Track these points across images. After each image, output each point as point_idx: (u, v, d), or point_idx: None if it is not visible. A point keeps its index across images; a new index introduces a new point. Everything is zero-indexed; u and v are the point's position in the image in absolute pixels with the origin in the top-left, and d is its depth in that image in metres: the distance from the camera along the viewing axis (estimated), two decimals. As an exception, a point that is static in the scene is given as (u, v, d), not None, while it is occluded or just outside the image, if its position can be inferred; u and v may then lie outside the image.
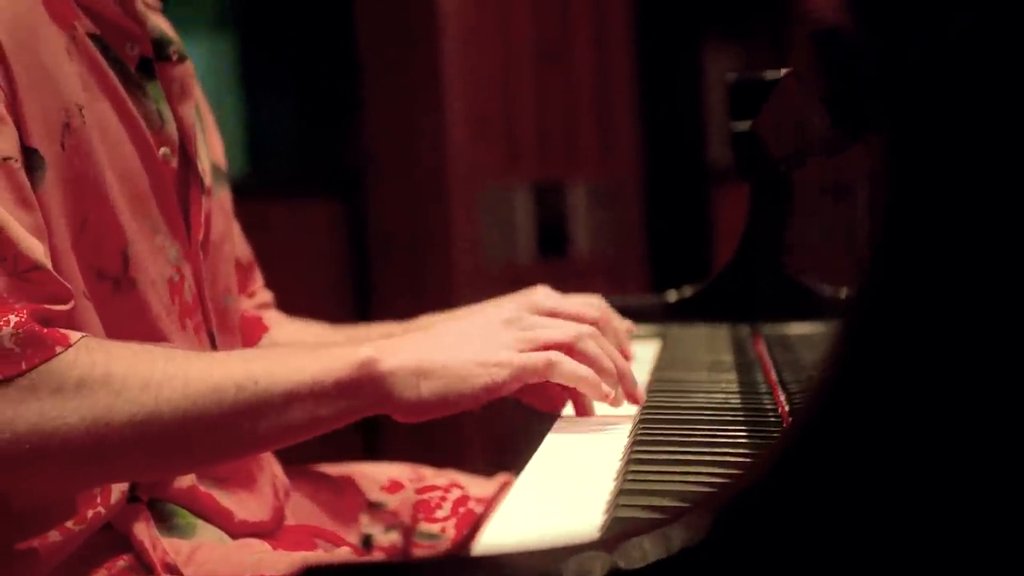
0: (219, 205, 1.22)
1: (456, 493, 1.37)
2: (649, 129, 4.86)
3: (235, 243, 1.30)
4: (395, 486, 1.36)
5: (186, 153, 1.15)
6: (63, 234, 1.02)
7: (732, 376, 1.19)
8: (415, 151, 3.99)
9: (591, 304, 1.20)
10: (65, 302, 0.97)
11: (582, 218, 4.60)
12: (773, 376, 1.17)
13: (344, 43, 3.97)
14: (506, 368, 0.99)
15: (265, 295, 1.39)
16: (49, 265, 0.97)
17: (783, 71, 1.75)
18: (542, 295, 1.20)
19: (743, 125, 1.68)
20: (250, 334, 1.33)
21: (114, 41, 1.10)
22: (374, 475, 1.37)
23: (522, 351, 1.01)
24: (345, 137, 4.00)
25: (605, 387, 1.03)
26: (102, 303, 1.05)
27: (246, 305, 1.35)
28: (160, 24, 1.19)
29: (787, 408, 1.03)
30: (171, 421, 0.94)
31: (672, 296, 1.67)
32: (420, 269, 4.01)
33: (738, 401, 1.07)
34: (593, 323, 1.12)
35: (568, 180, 4.56)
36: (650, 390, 1.12)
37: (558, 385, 1.05)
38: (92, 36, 1.07)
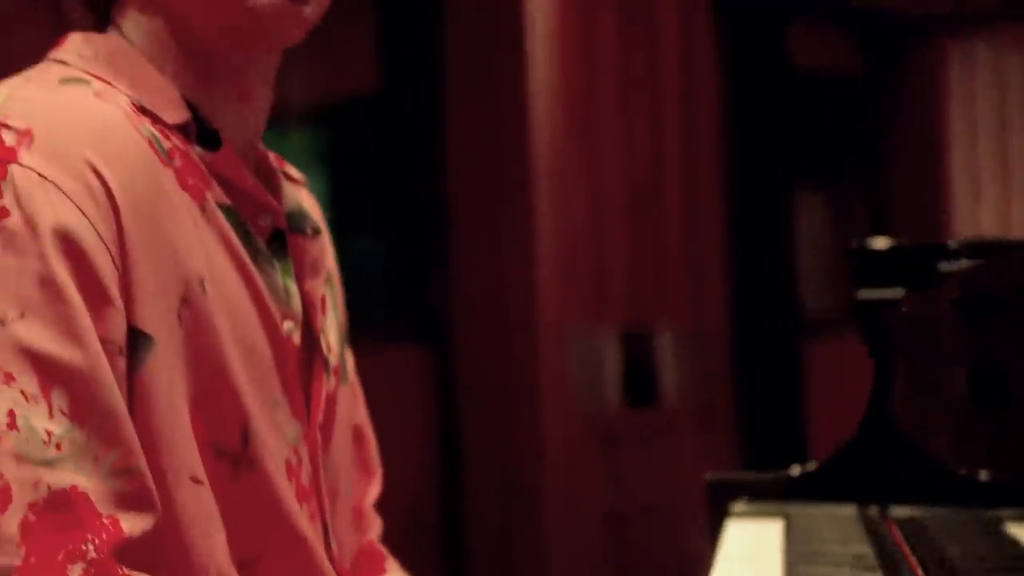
0: (347, 391, 1.18)
1: None
2: (739, 277, 4.80)
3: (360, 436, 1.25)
4: None
5: (311, 330, 1.11)
6: (177, 413, 0.97)
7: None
8: (504, 297, 3.96)
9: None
10: (148, 511, 0.92)
11: (670, 366, 4.53)
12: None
13: (435, 187, 3.97)
14: None
15: (375, 521, 1.31)
16: (138, 466, 0.92)
17: (907, 241, 1.69)
18: None
19: (867, 293, 1.61)
20: (369, 569, 1.27)
21: (246, 212, 1.07)
22: None
23: None
24: (434, 282, 3.98)
25: None
26: (220, 482, 1.00)
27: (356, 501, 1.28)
28: (301, 197, 1.17)
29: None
30: None
31: (795, 471, 1.59)
32: (508, 416, 3.96)
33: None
34: None
35: (657, 327, 4.51)
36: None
37: None
38: (223, 207, 1.04)
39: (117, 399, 0.92)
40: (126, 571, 0.90)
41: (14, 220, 0.93)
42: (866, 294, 1.62)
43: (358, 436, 1.25)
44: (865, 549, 1.26)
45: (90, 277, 0.94)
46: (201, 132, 1.05)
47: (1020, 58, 5.43)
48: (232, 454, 1.01)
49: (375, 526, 1.29)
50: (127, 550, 0.91)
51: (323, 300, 1.14)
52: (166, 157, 1.01)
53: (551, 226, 3.99)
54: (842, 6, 4.98)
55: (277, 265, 1.08)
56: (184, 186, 1.02)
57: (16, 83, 1.03)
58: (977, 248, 1.62)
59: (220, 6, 1.04)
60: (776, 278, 4.90)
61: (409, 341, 3.82)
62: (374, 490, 1.29)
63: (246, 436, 1.02)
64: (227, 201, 1.05)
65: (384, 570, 1.28)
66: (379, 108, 3.97)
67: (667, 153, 4.52)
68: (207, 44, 1.06)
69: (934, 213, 5.31)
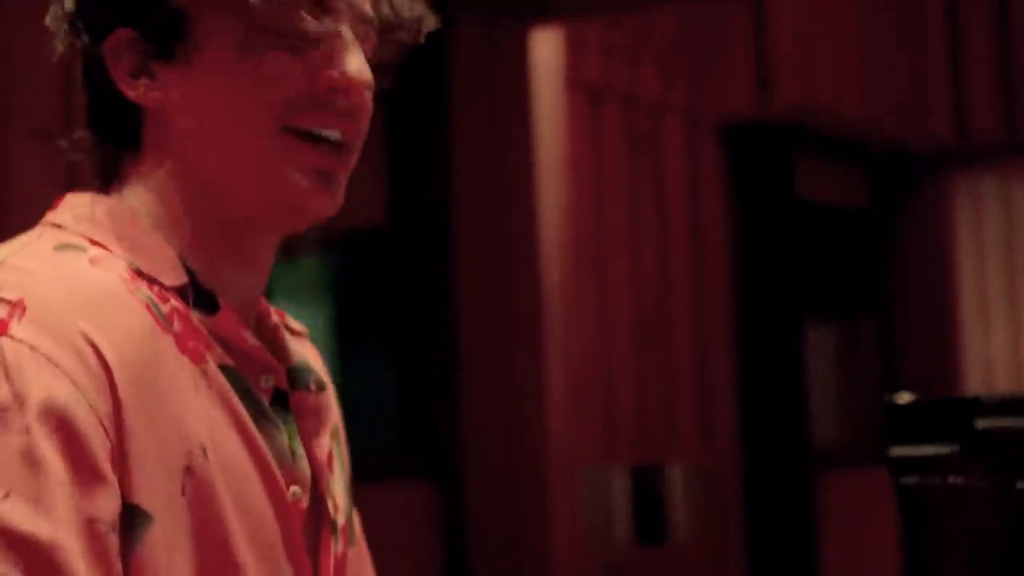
0: (355, 553, 1.13)
1: None
2: (749, 411, 4.75)
3: None
4: None
5: (318, 491, 1.07)
6: None
7: None
8: (514, 435, 3.92)
9: None
10: None
11: (681, 502, 4.47)
12: None
13: (444, 321, 3.94)
14: None
15: None
16: None
17: (948, 397, 1.64)
18: None
19: (901, 450, 1.57)
20: None
21: (248, 372, 1.03)
22: None
23: None
24: (443, 418, 3.93)
25: None
26: None
27: None
28: (304, 351, 1.13)
29: None
30: None
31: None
32: (518, 556, 3.89)
33: None
34: None
35: (667, 462, 4.45)
36: None
37: None
38: (224, 368, 1.01)
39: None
40: None
41: (3, 394, 0.90)
42: (899, 451, 1.57)
43: None
44: None
45: (80, 454, 0.90)
46: (198, 295, 1.02)
47: (1027, 190, 5.45)
48: None
49: None
50: None
51: (330, 457, 1.10)
52: (165, 322, 0.98)
53: (560, 361, 3.96)
54: (849, 141, 5.01)
55: (282, 426, 1.05)
56: (184, 350, 0.98)
57: (11, 250, 1.00)
58: (1013, 403, 1.58)
59: (258, 181, 1.01)
60: (786, 412, 4.85)
61: (416, 478, 3.77)
62: None
63: None
64: (228, 362, 1.01)
65: None
66: (387, 238, 3.97)
67: (675, 285, 4.51)
68: (232, 214, 1.03)
69: (944, 344, 5.28)
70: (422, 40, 1.11)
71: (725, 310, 4.68)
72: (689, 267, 4.56)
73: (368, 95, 1.04)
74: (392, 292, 3.97)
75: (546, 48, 3.87)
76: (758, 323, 4.76)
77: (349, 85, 1.01)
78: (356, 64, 1.02)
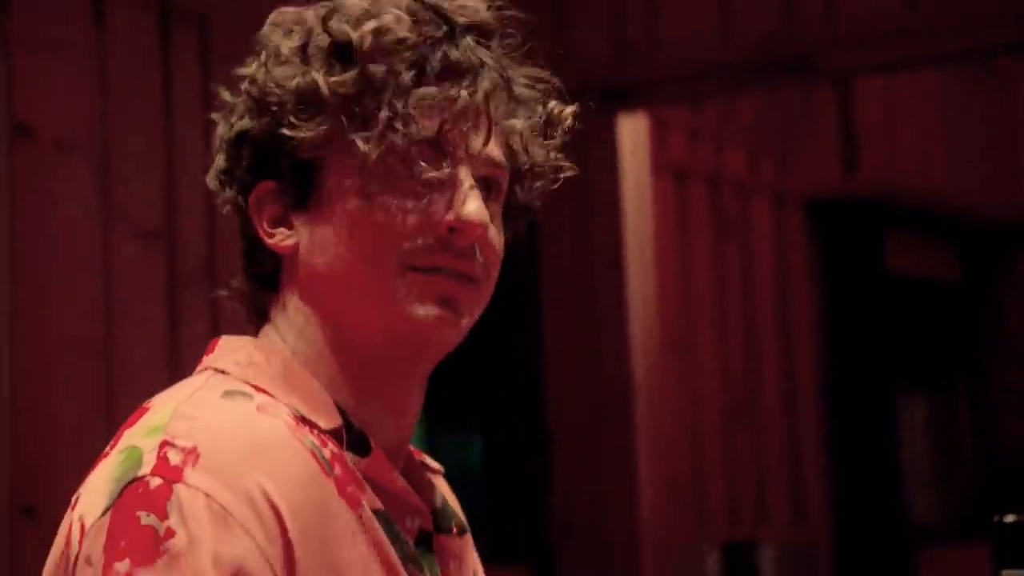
0: None
1: None
2: (842, 487, 4.70)
3: None
4: None
5: None
6: None
7: None
8: (606, 516, 3.90)
9: None
10: None
11: (774, 580, 4.43)
12: None
13: (535, 407, 3.95)
14: None
15: None
16: None
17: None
18: None
19: (1012, 573, 1.54)
20: None
21: (396, 515, 1.06)
22: None
23: None
24: (537, 503, 3.93)
25: None
26: None
27: None
28: (443, 490, 1.15)
29: None
30: None
31: None
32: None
33: None
34: None
35: (758, 541, 4.41)
36: None
37: None
38: (376, 512, 1.04)
39: None
40: None
41: (179, 541, 0.93)
42: (1009, 574, 1.55)
43: None
44: None
45: None
46: (351, 436, 1.05)
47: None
48: None
49: None
50: None
51: None
52: (328, 467, 1.01)
53: (652, 444, 3.95)
54: (937, 214, 4.98)
55: (425, 567, 1.07)
56: (343, 495, 1.01)
57: (180, 397, 1.04)
58: None
59: (382, 316, 1.05)
60: (880, 487, 4.79)
61: (513, 563, 3.76)
62: None
63: None
64: (379, 506, 1.04)
65: None
66: (478, 325, 3.99)
67: (764, 363, 4.48)
68: (366, 351, 1.07)
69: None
70: (560, 185, 1.15)
71: (815, 386, 4.65)
72: (778, 344, 4.53)
73: (488, 234, 1.07)
74: (481, 372, 3.99)
75: (632, 130, 3.89)
76: (850, 398, 4.72)
77: (466, 227, 1.05)
78: (473, 206, 1.05)
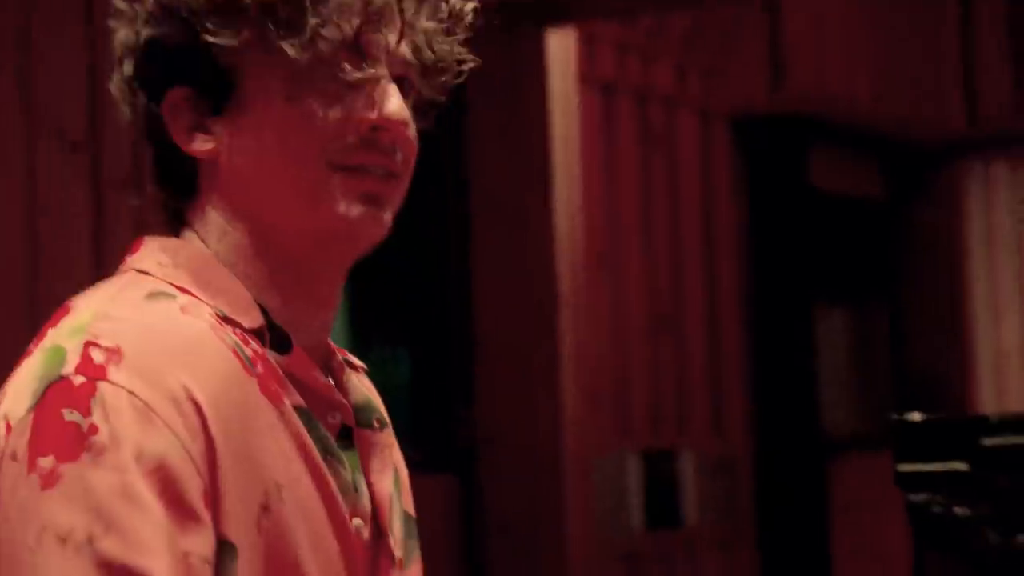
0: (414, 572, 1.18)
1: None
2: (760, 398, 4.80)
3: None
4: None
5: (378, 524, 1.13)
6: None
7: None
8: (530, 426, 3.97)
9: None
10: None
11: (692, 488, 4.52)
12: None
13: (460, 318, 3.99)
14: None
15: None
16: None
17: (956, 416, 1.70)
18: None
19: (909, 467, 1.62)
20: None
21: (317, 411, 1.09)
22: None
23: None
24: (460, 413, 3.98)
25: None
26: None
27: None
28: (365, 388, 1.18)
29: None
30: None
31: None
32: (534, 543, 3.94)
33: None
34: None
35: (679, 450, 4.50)
36: None
37: None
38: (298, 408, 1.07)
39: None
40: None
41: (102, 437, 0.95)
42: (907, 468, 1.62)
43: None
44: None
45: (175, 495, 0.96)
46: (273, 335, 1.08)
47: (1038, 178, 5.47)
48: None
49: None
50: None
51: (388, 492, 1.16)
52: (250, 365, 1.04)
53: (575, 356, 4.00)
54: (862, 131, 5.04)
55: (346, 461, 1.10)
56: (265, 392, 1.04)
57: (101, 299, 1.05)
58: (1020, 423, 1.63)
59: (309, 216, 1.07)
60: (797, 399, 4.89)
61: (435, 472, 3.82)
62: None
63: None
64: (301, 403, 1.07)
65: None
66: (404, 231, 4.00)
67: (688, 276, 4.55)
68: (292, 251, 1.09)
69: (955, 332, 5.32)
70: (463, 80, 1.17)
71: (737, 300, 4.72)
72: (702, 257, 4.60)
73: (408, 131, 1.10)
74: (408, 285, 4.02)
75: (560, 44, 3.90)
76: (770, 312, 4.81)
77: (388, 124, 1.08)
78: (395, 105, 1.08)
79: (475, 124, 3.96)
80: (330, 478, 1.07)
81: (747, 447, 4.73)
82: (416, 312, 4.06)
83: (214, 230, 1.09)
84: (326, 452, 1.08)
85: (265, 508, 1.01)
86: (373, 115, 1.07)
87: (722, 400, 4.65)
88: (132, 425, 0.96)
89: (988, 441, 1.59)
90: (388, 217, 1.09)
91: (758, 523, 4.74)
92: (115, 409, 0.96)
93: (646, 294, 4.38)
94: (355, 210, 1.07)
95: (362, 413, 1.15)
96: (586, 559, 4.00)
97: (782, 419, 4.81)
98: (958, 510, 1.53)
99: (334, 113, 1.06)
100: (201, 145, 1.08)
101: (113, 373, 0.98)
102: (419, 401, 4.01)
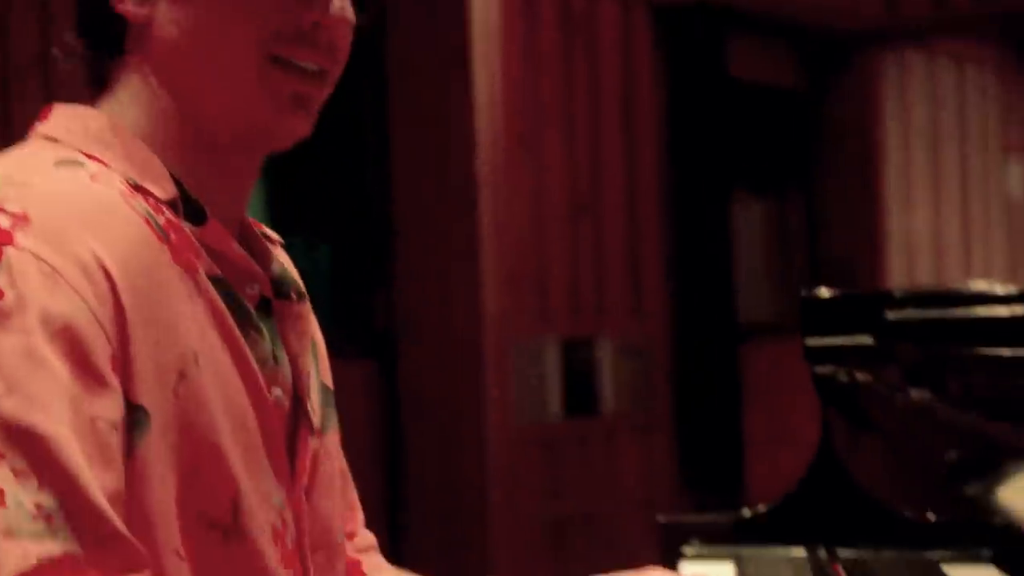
0: (329, 445, 1.20)
1: None
2: (678, 286, 4.86)
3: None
4: None
5: (297, 394, 1.14)
6: (167, 487, 0.99)
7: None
8: (449, 312, 3.99)
9: None
10: (141, 571, 0.94)
11: (611, 375, 4.58)
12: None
13: (379, 203, 3.98)
14: None
15: (367, 537, 1.35)
16: (127, 533, 0.94)
17: (862, 291, 1.74)
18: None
19: (815, 340, 1.66)
20: None
21: (235, 282, 1.09)
22: None
23: None
24: (379, 298, 3.99)
25: None
26: (211, 556, 1.02)
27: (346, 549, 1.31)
28: (282, 260, 1.18)
29: None
30: None
31: (746, 513, 1.64)
32: (452, 428, 3.99)
33: None
34: None
35: (597, 336, 4.55)
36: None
37: None
38: (214, 278, 1.06)
39: (104, 471, 0.94)
40: None
41: (8, 301, 0.95)
42: (814, 342, 1.67)
43: (343, 478, 1.28)
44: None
45: (82, 358, 0.95)
46: (187, 206, 1.07)
47: (952, 70, 5.53)
48: (223, 526, 1.03)
49: (369, 546, 1.34)
50: None
51: (307, 363, 1.17)
52: (162, 233, 1.03)
53: (494, 240, 4.02)
54: (780, 21, 5.06)
55: (265, 332, 1.11)
56: (178, 260, 1.03)
57: (8, 165, 1.04)
58: (921, 298, 1.68)
59: (237, 103, 1.07)
60: (714, 286, 4.96)
61: (354, 357, 3.84)
62: (360, 515, 1.34)
63: (236, 507, 1.04)
64: (217, 272, 1.07)
65: (363, 575, 1.31)
66: (323, 115, 3.97)
67: (607, 163, 4.56)
68: (212, 132, 1.08)
69: (868, 220, 5.40)
70: None
71: (656, 188, 4.75)
72: (622, 143, 4.61)
73: (348, 33, 1.09)
74: (327, 174, 4.00)
75: (481, -73, 3.86)
76: (688, 200, 4.85)
77: (332, 23, 1.07)
78: (339, 3, 1.07)
79: (393, 10, 3.92)
80: (247, 348, 1.07)
81: (664, 334, 4.79)
82: (335, 201, 4.04)
83: (134, 97, 1.08)
84: (244, 322, 1.08)
85: (181, 375, 1.01)
86: (317, 12, 1.06)
87: (640, 287, 4.70)
88: (39, 289, 0.95)
89: (892, 315, 1.64)
90: (313, 119, 1.09)
91: (674, 408, 4.82)
92: (21, 273, 0.95)
93: (566, 181, 4.40)
94: (283, 110, 1.06)
95: (280, 285, 1.15)
96: (504, 444, 4.05)
97: (699, 306, 4.88)
98: (861, 377, 1.57)
99: (277, 2, 1.05)
100: (135, 7, 1.07)
101: (20, 238, 0.97)
102: (339, 287, 4.01)
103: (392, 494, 3.95)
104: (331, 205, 4.05)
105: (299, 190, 3.98)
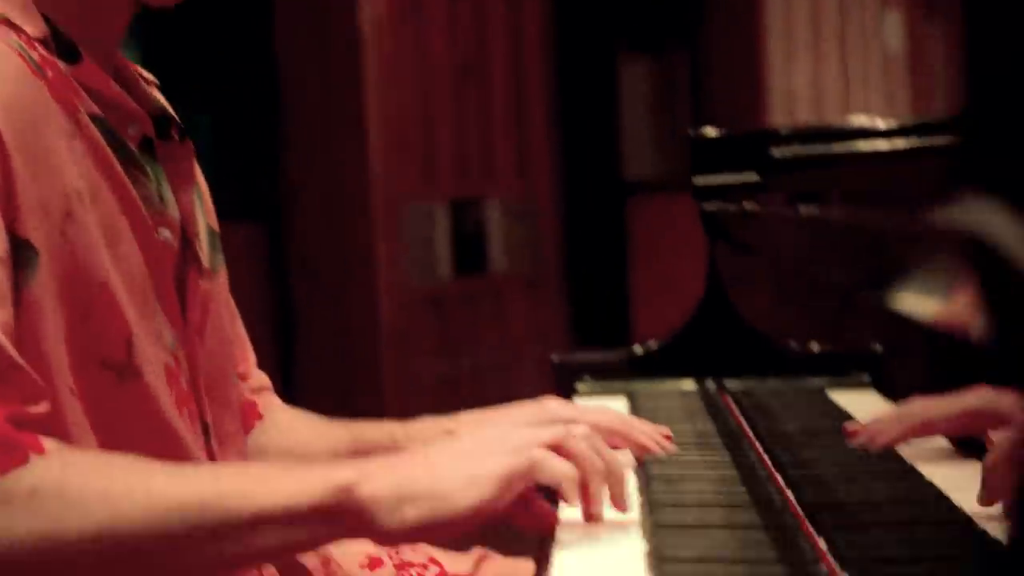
0: (218, 286, 1.19)
1: (434, 570, 1.35)
2: (565, 143, 4.88)
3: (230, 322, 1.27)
4: (375, 563, 1.34)
5: (185, 234, 1.13)
6: (58, 326, 0.98)
7: (726, 457, 1.20)
8: (336, 174, 3.97)
9: (608, 411, 1.20)
10: (39, 402, 0.94)
11: (499, 235, 4.61)
12: (767, 460, 1.18)
13: (265, 67, 3.92)
14: (492, 481, 0.94)
15: (260, 378, 1.35)
16: (24, 364, 0.94)
17: (748, 130, 1.76)
18: (556, 405, 1.19)
19: (702, 180, 1.69)
20: (242, 422, 1.30)
21: (116, 122, 1.07)
22: (352, 551, 1.34)
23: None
24: (266, 161, 3.96)
25: (591, 489, 0.99)
26: (105, 395, 1.02)
27: (241, 389, 1.31)
28: (162, 101, 1.17)
29: (793, 498, 1.04)
30: (127, 538, 0.89)
31: (638, 350, 1.68)
32: (343, 291, 3.99)
33: (744, 490, 1.07)
34: (610, 430, 1.13)
35: (485, 197, 4.57)
36: (647, 479, 1.11)
37: (545, 501, 1.03)
38: (94, 118, 1.05)
39: None
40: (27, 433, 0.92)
41: None
42: (702, 180, 1.70)
43: (232, 319, 1.28)
44: (707, 426, 1.35)
45: None
46: (59, 44, 1.05)
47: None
48: (118, 366, 1.03)
49: (262, 387, 1.34)
50: (25, 423, 0.93)
51: (193, 204, 1.16)
52: (38, 69, 1.01)
53: (379, 103, 3.99)
54: None
55: (150, 172, 1.10)
56: (56, 98, 1.02)
57: None
58: (805, 135, 1.71)
59: None
60: (600, 143, 4.99)
61: (241, 219, 3.81)
62: (252, 357, 1.34)
63: (130, 347, 1.03)
64: (97, 112, 1.05)
65: (258, 416, 1.32)
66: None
67: (492, 25, 4.53)
68: None
69: (750, 76, 5.44)
70: None
71: (541, 47, 4.74)
72: (505, 5, 4.57)
73: None
74: (211, 39, 3.92)
75: None
76: (574, 59, 4.84)
77: None
78: None
79: None
80: (132, 188, 1.06)
81: (551, 192, 4.82)
82: (214, 72, 3.96)
83: None
84: (127, 162, 1.06)
85: (68, 214, 0.99)
86: None
87: (527, 147, 4.71)
88: None
89: (777, 152, 1.67)
90: None
91: (562, 265, 4.87)
92: None
93: (450, 42, 4.36)
94: None
95: (161, 125, 1.13)
96: (395, 305, 4.07)
97: (586, 164, 4.91)
98: (748, 206, 1.61)
99: None
100: None
101: None
102: (223, 155, 3.96)
103: (283, 358, 3.96)
104: (210, 75, 3.97)
105: (177, 62, 3.90)
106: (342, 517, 0.92)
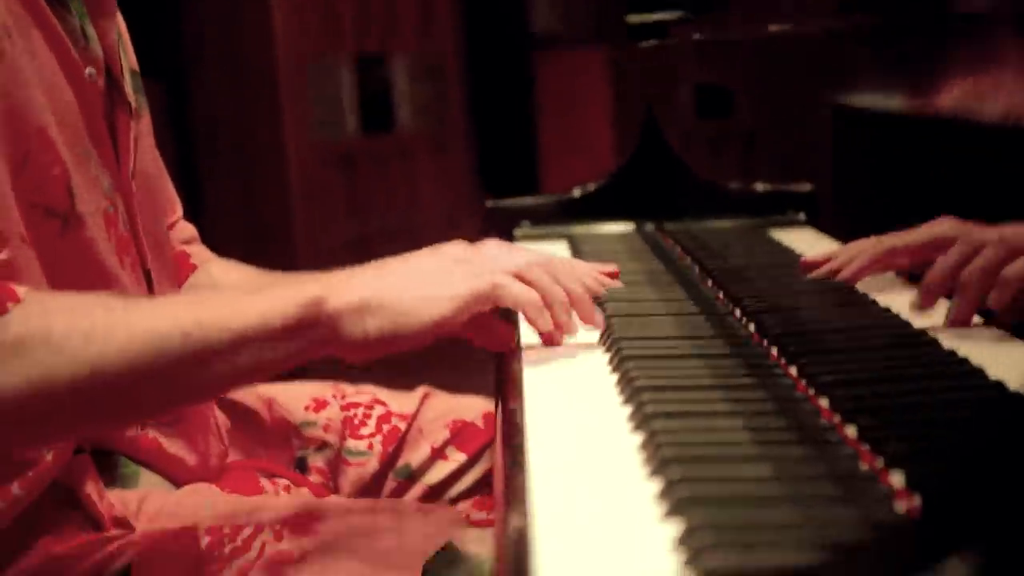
0: (143, 129, 1.16)
1: (379, 410, 1.35)
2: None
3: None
4: (320, 404, 1.33)
5: (111, 73, 1.09)
6: (2, 170, 0.95)
7: (681, 294, 1.19)
8: (238, 33, 3.87)
9: (546, 253, 1.19)
10: (1, 250, 0.92)
11: (405, 92, 4.55)
12: (720, 295, 1.17)
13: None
14: (453, 300, 0.96)
15: (188, 229, 1.33)
16: None
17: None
18: (494, 246, 1.17)
19: (637, 17, 1.66)
20: (176, 272, 1.27)
21: None
22: (296, 394, 1.34)
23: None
24: (165, 18, 3.84)
25: (555, 314, 1.01)
26: (50, 243, 0.99)
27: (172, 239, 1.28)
28: None
29: (755, 329, 1.03)
30: (116, 375, 0.90)
31: (575, 192, 1.66)
32: (249, 150, 3.92)
33: (705, 323, 1.06)
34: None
35: (389, 54, 4.50)
36: (605, 316, 1.10)
37: (505, 322, 1.04)
38: None
39: None
40: None
41: None
42: (636, 19, 1.67)
43: (157, 165, 1.26)
44: (656, 265, 1.34)
45: None
46: None
47: None
48: (61, 214, 1.00)
49: (192, 237, 1.32)
50: None
51: (116, 43, 1.12)
52: None
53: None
54: None
55: (73, 8, 1.05)
56: None
57: None
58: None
59: None
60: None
61: (147, 78, 3.70)
62: (179, 206, 1.32)
63: (71, 193, 1.01)
64: None
65: (192, 266, 1.31)
66: None
67: None
68: None
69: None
70: None
71: None
72: None
73: None
74: None
75: None
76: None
77: None
78: None
79: None
80: (57, 23, 1.02)
81: (457, 48, 4.75)
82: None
83: None
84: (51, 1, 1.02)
85: None
86: None
87: (431, 2, 4.63)
88: None
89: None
90: None
91: (470, 122, 4.83)
92: None
93: None
94: None
95: None
96: (302, 164, 4.01)
97: (491, 18, 4.84)
98: (680, 40, 1.59)
99: None
100: None
101: None
102: (122, 7, 3.83)
103: (191, 221, 3.89)
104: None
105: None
106: (313, 331, 0.93)
